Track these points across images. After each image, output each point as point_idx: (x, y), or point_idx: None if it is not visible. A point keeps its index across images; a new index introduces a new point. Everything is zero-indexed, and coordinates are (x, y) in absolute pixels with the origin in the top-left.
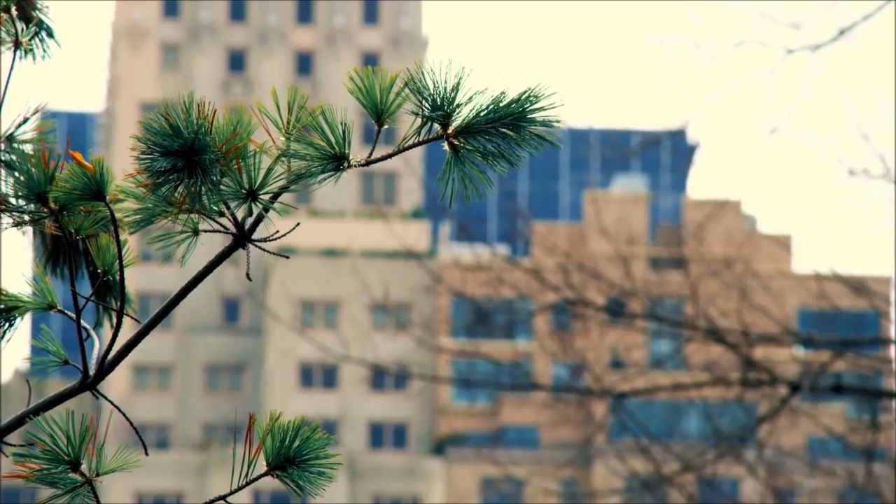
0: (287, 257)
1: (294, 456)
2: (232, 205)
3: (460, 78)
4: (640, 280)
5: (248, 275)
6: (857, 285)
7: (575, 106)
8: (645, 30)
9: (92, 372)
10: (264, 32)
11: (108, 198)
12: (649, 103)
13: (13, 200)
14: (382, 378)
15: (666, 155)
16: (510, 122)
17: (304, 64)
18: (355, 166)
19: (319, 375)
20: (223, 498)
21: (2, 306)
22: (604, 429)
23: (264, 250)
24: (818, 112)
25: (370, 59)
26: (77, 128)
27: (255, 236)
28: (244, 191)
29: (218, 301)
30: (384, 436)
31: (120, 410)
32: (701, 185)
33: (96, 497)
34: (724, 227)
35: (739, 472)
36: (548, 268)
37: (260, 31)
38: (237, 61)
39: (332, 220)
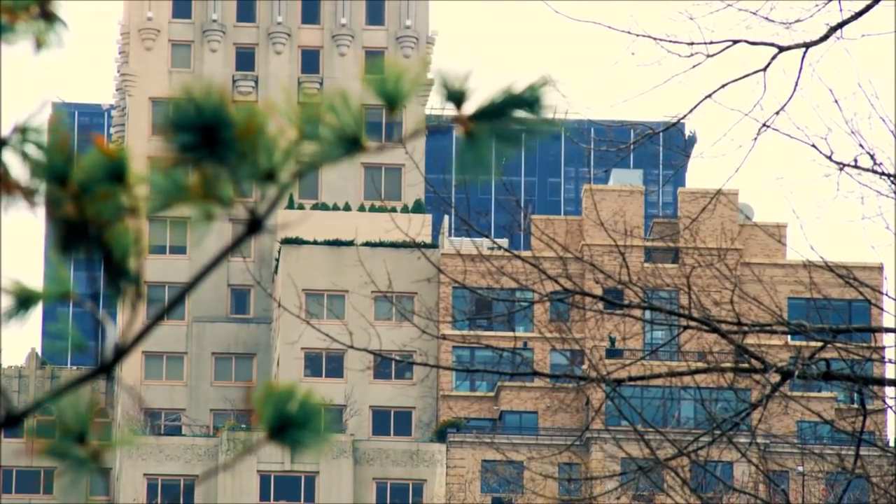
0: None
1: (290, 419)
2: (247, 189)
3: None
4: (637, 271)
5: (242, 250)
6: (847, 275)
7: (574, 101)
8: (643, 28)
9: (108, 357)
10: (272, 32)
11: (128, 184)
12: (646, 99)
13: (28, 184)
14: (386, 366)
15: (663, 149)
16: (525, 105)
17: (310, 62)
18: (371, 149)
19: (325, 364)
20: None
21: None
22: (601, 415)
23: (273, 237)
24: (812, 107)
25: (375, 57)
26: (86, 122)
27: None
28: (263, 171)
29: (227, 292)
30: (388, 422)
31: (134, 396)
32: (698, 178)
33: (103, 470)
34: (719, 218)
35: (732, 456)
36: (547, 259)
37: (267, 30)
38: (246, 59)
39: (338, 212)
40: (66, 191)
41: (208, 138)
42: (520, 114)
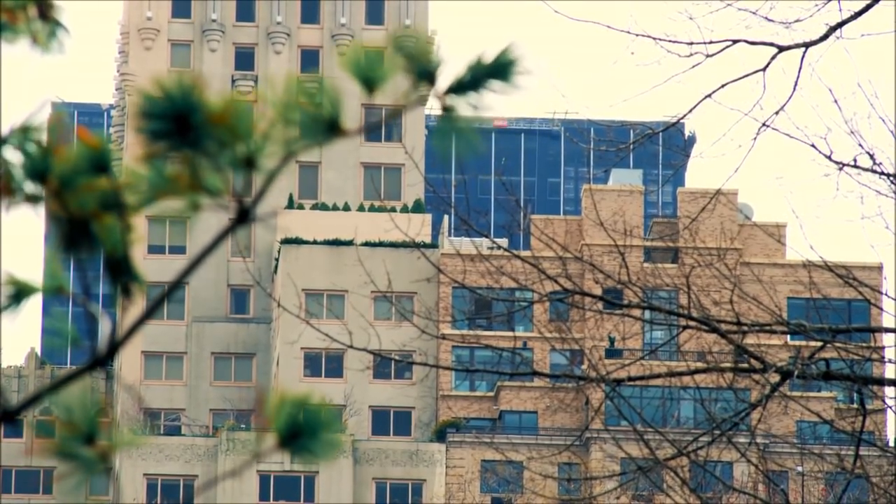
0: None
1: (302, 429)
2: (231, 177)
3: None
4: (636, 270)
5: (242, 250)
6: (847, 274)
7: (574, 101)
8: (642, 27)
9: (102, 351)
10: (271, 31)
11: (112, 175)
12: (646, 99)
13: (24, 183)
14: (386, 366)
15: (663, 149)
16: (497, 74)
17: (310, 61)
18: (349, 134)
19: (325, 363)
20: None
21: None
22: (600, 415)
23: (266, 225)
24: (811, 107)
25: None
26: (86, 122)
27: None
28: (242, 157)
29: (227, 291)
30: (387, 422)
31: (130, 393)
32: (697, 178)
33: (111, 469)
34: (718, 218)
35: (732, 456)
36: (546, 259)
37: (267, 30)
38: (245, 59)
39: (337, 212)
40: (47, 187)
41: (179, 124)
42: (494, 84)
